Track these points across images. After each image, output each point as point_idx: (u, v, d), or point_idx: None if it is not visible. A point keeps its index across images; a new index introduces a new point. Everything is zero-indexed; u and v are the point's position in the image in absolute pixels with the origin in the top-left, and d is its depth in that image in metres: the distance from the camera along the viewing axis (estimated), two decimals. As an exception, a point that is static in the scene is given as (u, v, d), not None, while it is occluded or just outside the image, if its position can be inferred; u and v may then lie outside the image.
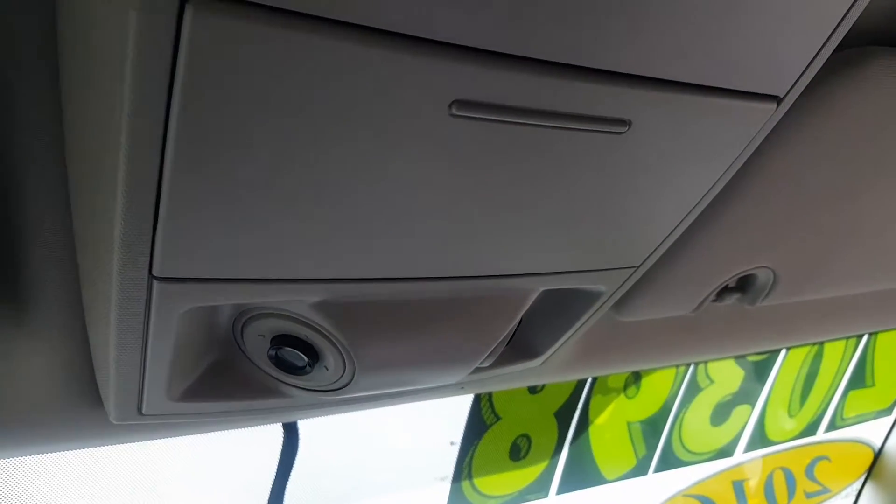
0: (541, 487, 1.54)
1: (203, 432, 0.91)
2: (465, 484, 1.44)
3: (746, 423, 1.77)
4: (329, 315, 0.60)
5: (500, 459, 1.46)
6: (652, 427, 1.62)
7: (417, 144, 0.45)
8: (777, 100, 0.54)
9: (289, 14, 0.35)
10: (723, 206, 0.75)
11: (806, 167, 0.76)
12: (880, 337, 1.87)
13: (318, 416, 1.03)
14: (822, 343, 1.66)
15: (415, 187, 0.48)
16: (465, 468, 1.43)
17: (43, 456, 0.91)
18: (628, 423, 1.60)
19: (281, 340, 0.64)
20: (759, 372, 1.71)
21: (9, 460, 0.98)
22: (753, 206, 0.80)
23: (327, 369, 0.66)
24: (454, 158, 0.47)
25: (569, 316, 0.81)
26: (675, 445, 1.67)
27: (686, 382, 1.60)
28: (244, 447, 1.20)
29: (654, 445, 1.65)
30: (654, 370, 1.53)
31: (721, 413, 1.71)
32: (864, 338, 1.79)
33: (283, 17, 0.35)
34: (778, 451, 1.94)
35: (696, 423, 1.67)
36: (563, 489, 1.57)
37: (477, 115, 0.44)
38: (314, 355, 0.65)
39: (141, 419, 0.68)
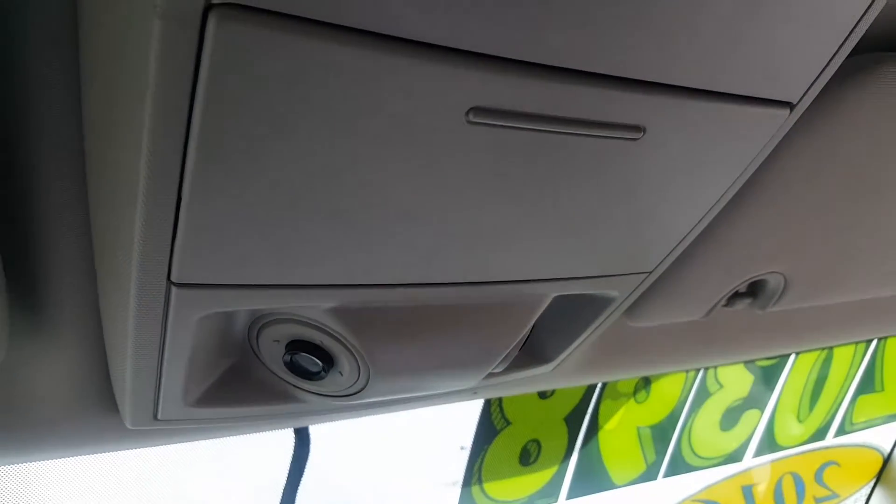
0: (551, 492, 1.54)
1: (217, 437, 0.92)
2: (476, 489, 1.44)
3: (756, 428, 1.76)
4: (344, 320, 0.60)
5: (510, 464, 1.46)
6: (661, 432, 1.62)
7: (434, 151, 0.45)
8: (790, 106, 0.54)
9: (310, 23, 0.36)
10: (734, 212, 0.75)
11: (817, 173, 0.77)
12: (890, 342, 1.86)
13: (331, 420, 1.03)
14: (831, 348, 1.66)
15: (431, 194, 0.49)
16: (475, 473, 1.43)
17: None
18: (638, 428, 1.59)
19: (296, 346, 0.65)
20: (769, 377, 1.71)
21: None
22: (765, 212, 0.80)
23: (342, 375, 0.67)
24: (470, 165, 0.48)
25: (581, 321, 0.81)
26: (685, 450, 1.66)
27: (696, 387, 1.60)
28: (255, 450, 1.20)
29: (664, 450, 1.65)
30: (663, 375, 1.53)
31: (730, 418, 1.70)
32: (874, 343, 1.78)
33: (305, 26, 0.36)
34: (787, 456, 1.93)
35: (705, 428, 1.67)
36: (572, 494, 1.57)
37: (493, 122, 0.44)
38: (329, 361, 0.65)
39: (156, 424, 0.68)
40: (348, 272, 0.54)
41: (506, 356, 0.76)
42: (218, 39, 0.35)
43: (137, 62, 0.37)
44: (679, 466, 1.67)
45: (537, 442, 1.47)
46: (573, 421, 1.47)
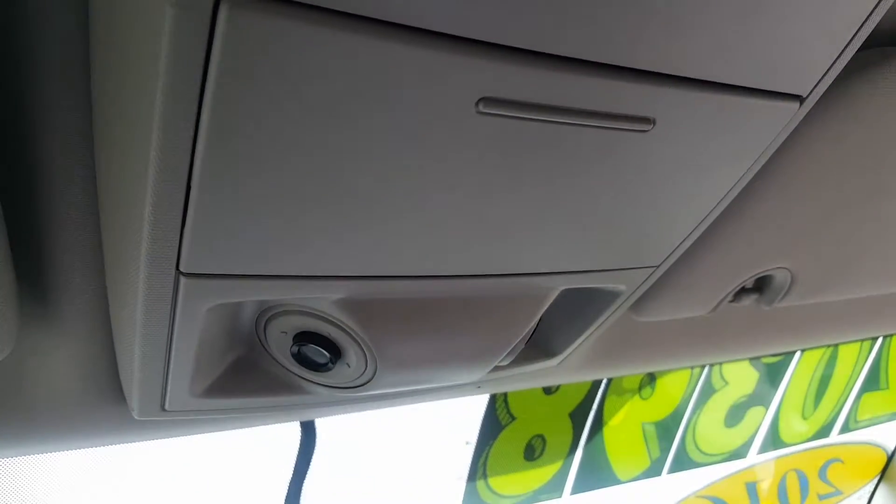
0: (555, 487, 1.55)
1: (224, 430, 0.92)
2: (480, 483, 1.44)
3: (760, 425, 1.76)
4: (352, 312, 0.61)
5: (514, 459, 1.46)
6: (666, 428, 1.62)
7: (443, 141, 0.45)
8: (800, 99, 0.54)
9: (320, 11, 0.36)
10: (742, 207, 0.75)
11: (826, 168, 0.77)
12: (895, 339, 1.86)
13: (337, 414, 1.04)
14: (837, 345, 1.66)
15: (440, 185, 0.49)
16: (479, 468, 1.43)
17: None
18: (642, 425, 1.59)
19: (303, 337, 0.65)
20: (774, 374, 1.71)
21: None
22: (773, 207, 0.80)
23: (349, 366, 0.67)
24: (479, 156, 0.48)
25: (588, 315, 0.82)
26: (689, 447, 1.67)
27: (700, 384, 1.60)
28: (262, 444, 1.21)
29: (668, 447, 1.65)
30: (669, 371, 1.53)
31: (735, 415, 1.70)
32: (879, 340, 1.78)
33: (314, 14, 0.36)
34: (791, 453, 1.93)
35: (710, 425, 1.67)
36: (577, 489, 1.57)
37: (503, 113, 0.44)
38: (336, 352, 0.66)
39: (164, 415, 0.69)
40: (357, 263, 0.54)
41: (512, 349, 0.76)
42: (229, 27, 0.35)
43: (148, 50, 0.37)
44: (683, 463, 1.67)
45: (542, 437, 1.47)
46: (578, 417, 1.47)
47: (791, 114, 0.55)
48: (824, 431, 1.88)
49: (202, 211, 0.45)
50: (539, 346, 0.86)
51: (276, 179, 0.44)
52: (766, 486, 1.97)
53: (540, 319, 0.81)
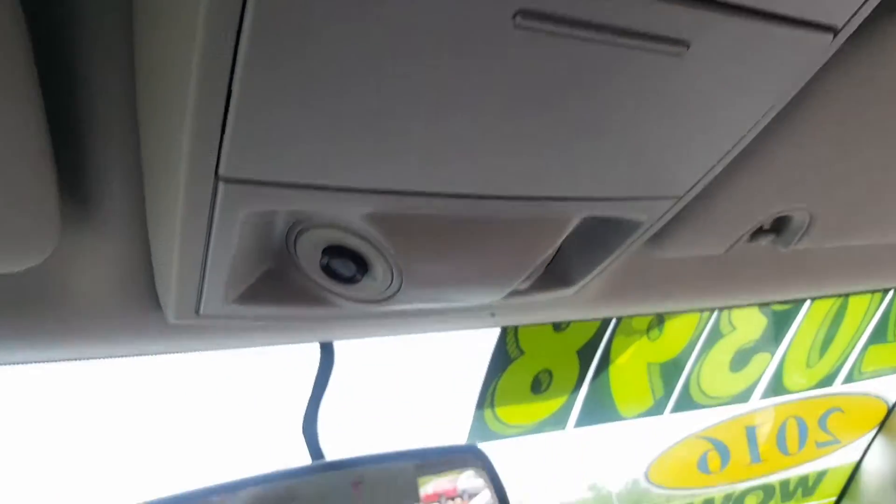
0: (559, 420, 1.59)
1: (252, 345, 0.96)
2: (488, 412, 1.49)
3: (765, 372, 1.80)
4: (380, 226, 0.63)
5: (521, 392, 1.50)
6: (671, 369, 1.66)
7: (478, 55, 0.46)
8: (833, 31, 0.54)
9: None
10: (766, 143, 0.75)
11: (853, 107, 0.76)
12: (905, 294, 1.87)
13: (358, 336, 1.07)
14: (847, 296, 1.67)
15: (472, 100, 0.50)
16: (487, 398, 1.48)
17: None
18: (648, 364, 1.63)
19: (332, 251, 0.67)
20: (782, 322, 1.73)
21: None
22: (797, 145, 0.80)
23: (375, 280, 0.69)
24: (513, 72, 0.48)
25: (606, 246, 0.83)
26: (693, 388, 1.70)
27: (708, 328, 1.63)
28: (281, 369, 1.25)
29: (672, 387, 1.69)
30: (678, 314, 1.55)
31: (741, 360, 1.73)
32: (890, 293, 1.79)
33: None
34: (793, 401, 1.97)
35: (715, 368, 1.70)
36: (580, 423, 1.62)
37: (540, 27, 0.45)
38: (363, 266, 0.68)
39: (198, 320, 0.72)
40: (388, 178, 0.56)
41: (530, 274, 0.78)
42: None
43: None
44: (686, 403, 1.72)
45: (549, 372, 1.51)
46: (585, 354, 1.51)
47: (823, 47, 0.55)
48: (827, 381, 1.91)
49: (242, 115, 0.46)
50: (556, 274, 0.88)
51: (315, 86, 0.45)
52: (765, 430, 2.02)
53: (559, 248, 0.83)
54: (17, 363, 0.87)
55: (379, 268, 0.68)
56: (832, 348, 1.82)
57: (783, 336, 1.75)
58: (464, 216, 0.64)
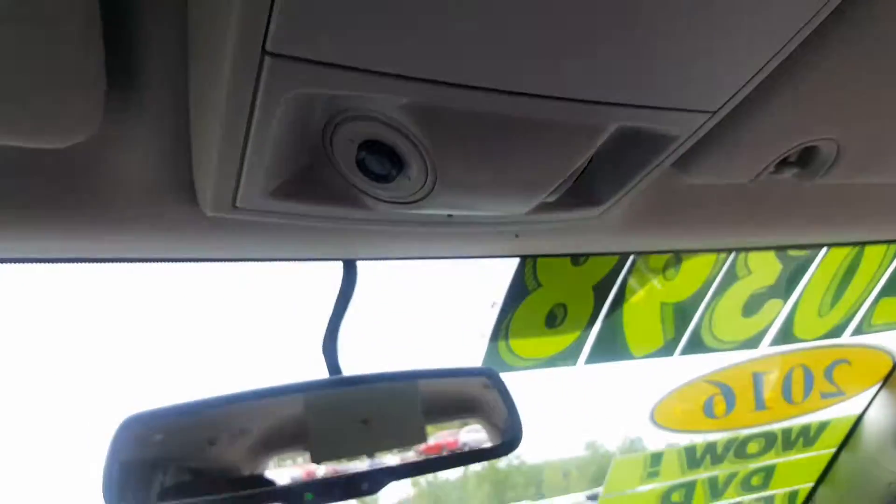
0: (571, 355, 1.62)
1: (282, 255, 0.98)
2: (501, 343, 1.52)
3: (776, 318, 1.81)
4: (418, 118, 0.63)
5: (536, 325, 1.53)
6: (684, 311, 1.67)
7: None
8: None
9: None
10: (798, 68, 0.75)
11: (889, 37, 0.76)
12: (921, 249, 1.87)
13: (383, 255, 1.09)
14: (864, 245, 1.68)
15: None
16: (502, 329, 1.50)
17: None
18: (662, 304, 1.65)
19: (368, 147, 0.68)
20: (798, 268, 1.74)
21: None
22: (829, 72, 0.79)
23: (409, 179, 0.70)
24: None
25: (637, 163, 0.84)
26: (704, 331, 1.72)
27: (724, 270, 1.64)
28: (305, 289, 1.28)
29: (684, 329, 1.71)
30: (697, 253, 1.56)
31: (753, 305, 1.75)
32: (907, 247, 1.79)
33: None
34: (801, 350, 1.99)
35: (727, 312, 1.72)
36: (591, 360, 1.65)
37: None
38: (398, 165, 0.69)
39: (234, 213, 0.73)
40: (430, 65, 0.57)
41: (559, 185, 0.79)
42: None
43: None
44: (696, 346, 1.74)
45: (564, 307, 1.53)
46: (601, 290, 1.52)
47: None
48: (837, 332, 1.93)
49: None
50: (584, 191, 0.88)
51: None
52: (772, 378, 2.05)
53: (589, 163, 0.83)
54: (45, 260, 0.88)
55: (414, 165, 0.69)
56: (844, 299, 1.83)
57: (797, 283, 1.76)
58: (502, 114, 0.65)
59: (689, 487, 2.15)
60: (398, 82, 0.58)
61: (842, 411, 2.15)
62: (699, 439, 2.11)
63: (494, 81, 0.60)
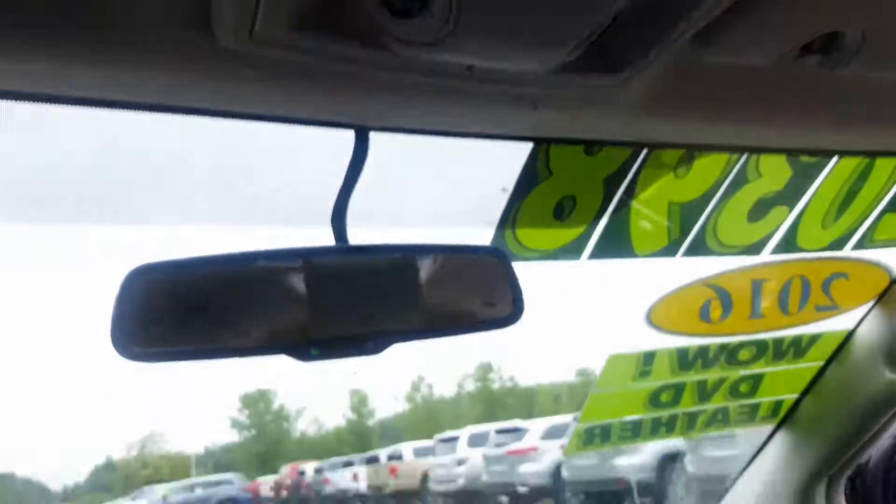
0: (576, 249, 1.64)
1: (295, 109, 0.98)
2: (508, 233, 1.54)
3: (781, 226, 1.83)
4: None
5: (543, 216, 1.54)
6: (691, 211, 1.68)
7: None
8: None
9: None
10: None
11: None
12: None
13: (394, 123, 1.09)
14: (875, 156, 1.67)
15: None
16: (510, 218, 1.52)
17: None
18: (669, 203, 1.66)
19: None
20: (807, 175, 1.74)
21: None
22: None
23: (432, 16, 0.70)
24: None
25: (659, 26, 0.83)
26: (709, 234, 1.74)
27: (735, 171, 1.64)
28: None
29: (689, 230, 1.72)
30: (711, 151, 1.56)
31: (760, 210, 1.75)
32: (918, 162, 1.78)
33: None
34: (801, 260, 2.02)
35: (733, 216, 1.73)
36: (594, 256, 1.67)
37: None
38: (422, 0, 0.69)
39: (250, 44, 0.73)
40: None
41: (582, 42, 0.79)
42: None
43: None
44: (699, 249, 1.76)
45: (573, 199, 1.54)
46: (612, 183, 1.53)
47: None
48: (838, 244, 1.94)
49: None
50: (605, 53, 0.88)
51: None
52: (770, 286, 2.09)
53: (612, 24, 0.83)
54: (37, 97, 0.87)
55: (437, 1, 0.68)
56: (849, 211, 1.83)
57: (805, 191, 1.76)
58: None
59: (678, 389, 2.23)
60: None
61: (834, 326, 2.20)
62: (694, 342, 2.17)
63: None
